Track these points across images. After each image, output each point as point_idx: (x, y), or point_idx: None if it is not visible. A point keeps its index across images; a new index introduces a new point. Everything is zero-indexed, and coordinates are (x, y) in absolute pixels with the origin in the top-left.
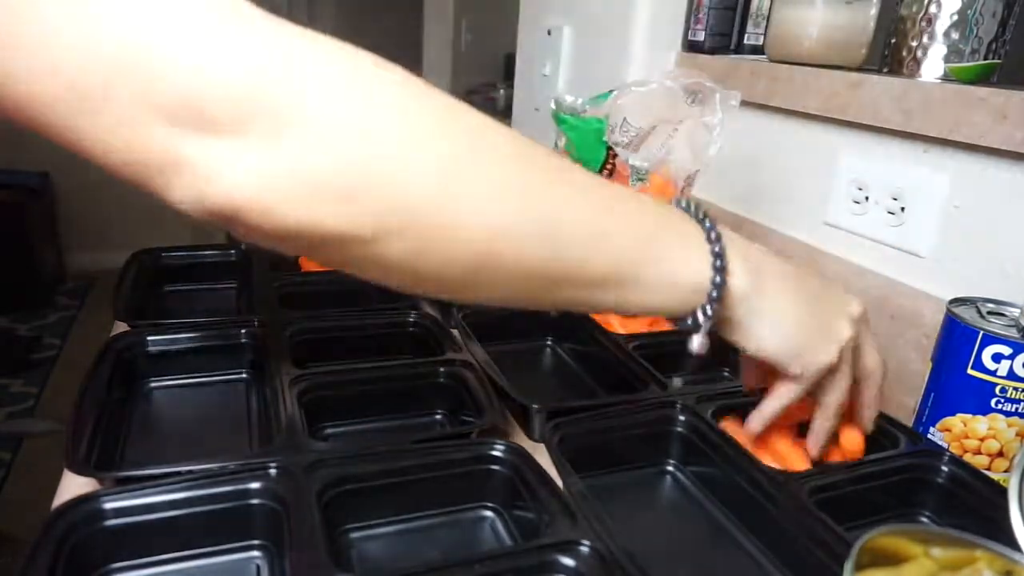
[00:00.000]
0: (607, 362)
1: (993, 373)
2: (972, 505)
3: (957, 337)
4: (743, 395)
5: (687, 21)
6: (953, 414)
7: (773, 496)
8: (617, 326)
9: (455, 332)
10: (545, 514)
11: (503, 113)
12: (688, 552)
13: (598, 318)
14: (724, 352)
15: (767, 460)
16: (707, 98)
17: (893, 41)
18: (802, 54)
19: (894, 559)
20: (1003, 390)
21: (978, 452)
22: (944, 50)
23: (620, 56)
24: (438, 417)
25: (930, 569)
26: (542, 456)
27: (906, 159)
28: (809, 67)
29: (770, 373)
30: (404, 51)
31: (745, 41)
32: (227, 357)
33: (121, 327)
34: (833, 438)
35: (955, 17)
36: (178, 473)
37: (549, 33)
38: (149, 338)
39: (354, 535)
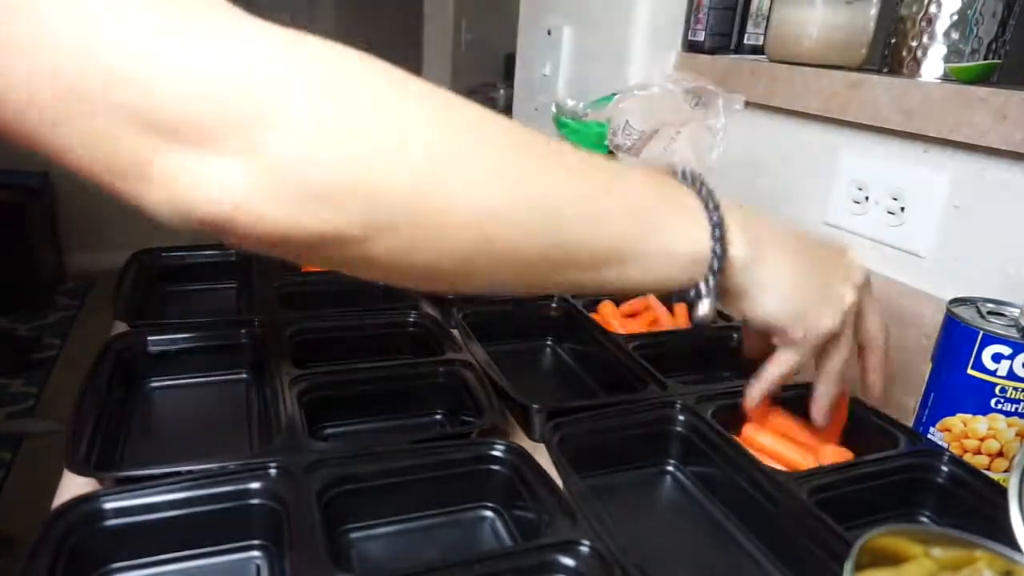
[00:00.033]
0: (607, 362)
1: (993, 373)
2: (972, 505)
3: (957, 337)
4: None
5: (687, 21)
6: (953, 414)
7: (773, 496)
8: (617, 326)
9: (455, 332)
10: (545, 514)
11: (503, 113)
12: (688, 552)
13: (598, 318)
14: (724, 353)
15: (768, 438)
16: (710, 101)
17: (893, 41)
18: (802, 54)
19: (894, 559)
20: (1003, 390)
21: (978, 452)
22: (944, 50)
23: (620, 56)
24: (438, 417)
25: (930, 569)
26: (542, 456)
27: (906, 159)
28: (809, 67)
29: (772, 344)
30: (404, 51)
31: (745, 41)
32: (227, 357)
33: (121, 327)
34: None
35: (955, 17)
36: (178, 473)
37: (549, 33)
38: (149, 338)
39: (354, 535)
